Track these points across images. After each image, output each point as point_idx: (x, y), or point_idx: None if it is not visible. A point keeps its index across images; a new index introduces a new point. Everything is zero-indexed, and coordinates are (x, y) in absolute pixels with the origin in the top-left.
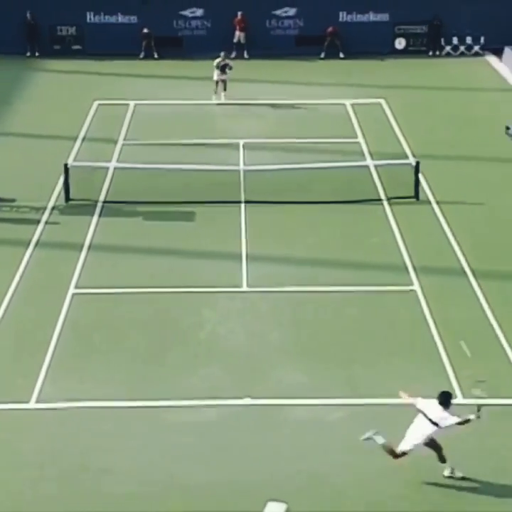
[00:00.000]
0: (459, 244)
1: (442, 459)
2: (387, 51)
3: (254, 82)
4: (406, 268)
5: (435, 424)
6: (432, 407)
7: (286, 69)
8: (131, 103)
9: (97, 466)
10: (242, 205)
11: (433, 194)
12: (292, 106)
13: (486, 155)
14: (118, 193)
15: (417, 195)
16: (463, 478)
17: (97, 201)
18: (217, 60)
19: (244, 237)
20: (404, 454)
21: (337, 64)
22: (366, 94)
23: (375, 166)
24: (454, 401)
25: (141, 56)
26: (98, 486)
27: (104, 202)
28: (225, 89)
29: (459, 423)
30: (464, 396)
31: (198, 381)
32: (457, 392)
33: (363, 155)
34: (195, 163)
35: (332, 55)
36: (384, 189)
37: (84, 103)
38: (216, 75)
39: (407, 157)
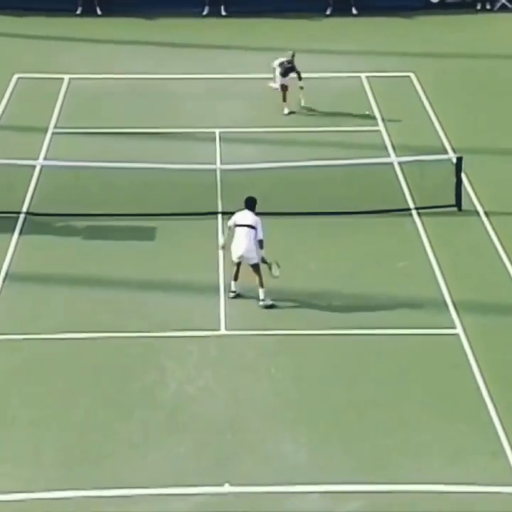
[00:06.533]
0: None
1: (261, 284)
2: (419, 5)
3: (235, 48)
4: (445, 304)
5: (253, 227)
6: (246, 216)
7: (280, 30)
8: (66, 77)
9: None
10: (219, 218)
11: (479, 201)
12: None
13: None
14: (47, 202)
15: (459, 203)
16: (272, 306)
17: (18, 213)
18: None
19: (222, 261)
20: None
21: (349, 23)
22: (389, 65)
23: (401, 164)
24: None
25: (79, 12)
26: None
27: (27, 213)
28: None
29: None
30: None
31: (159, 460)
32: None
33: (385, 148)
34: (154, 161)
35: (342, 11)
36: (412, 195)
37: (0, 77)
38: None
39: (444, 151)
